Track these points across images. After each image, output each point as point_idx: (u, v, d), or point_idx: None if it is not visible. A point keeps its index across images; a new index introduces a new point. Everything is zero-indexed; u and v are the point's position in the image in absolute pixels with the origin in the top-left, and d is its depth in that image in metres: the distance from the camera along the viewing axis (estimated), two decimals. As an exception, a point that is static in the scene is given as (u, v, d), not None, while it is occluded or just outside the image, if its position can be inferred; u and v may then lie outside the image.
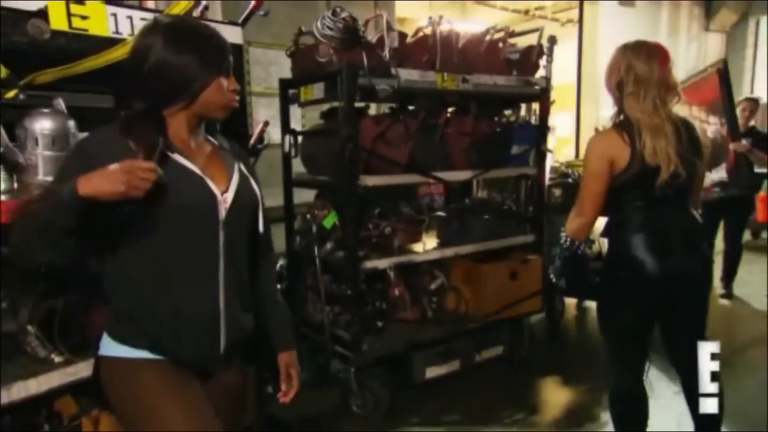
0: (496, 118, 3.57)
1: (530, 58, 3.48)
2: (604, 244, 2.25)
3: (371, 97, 3.00)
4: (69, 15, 1.58)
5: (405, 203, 3.40)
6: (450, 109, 3.45)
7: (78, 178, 1.14)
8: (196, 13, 1.88)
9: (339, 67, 2.80)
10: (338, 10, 2.93)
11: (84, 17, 1.61)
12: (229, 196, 1.36)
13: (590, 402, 3.16)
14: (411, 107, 3.33)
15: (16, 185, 1.59)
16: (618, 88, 2.01)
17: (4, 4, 1.45)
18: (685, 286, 1.98)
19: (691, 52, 8.59)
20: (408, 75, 2.97)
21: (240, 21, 2.17)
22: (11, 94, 1.44)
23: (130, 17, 1.71)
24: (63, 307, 1.78)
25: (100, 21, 1.65)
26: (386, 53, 2.96)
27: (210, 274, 1.33)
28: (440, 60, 3.11)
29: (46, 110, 1.62)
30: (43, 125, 1.60)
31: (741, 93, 8.39)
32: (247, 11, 2.21)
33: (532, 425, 2.96)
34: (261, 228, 1.47)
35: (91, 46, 1.63)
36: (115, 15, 1.68)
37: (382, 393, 2.99)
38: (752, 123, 4.75)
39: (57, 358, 1.70)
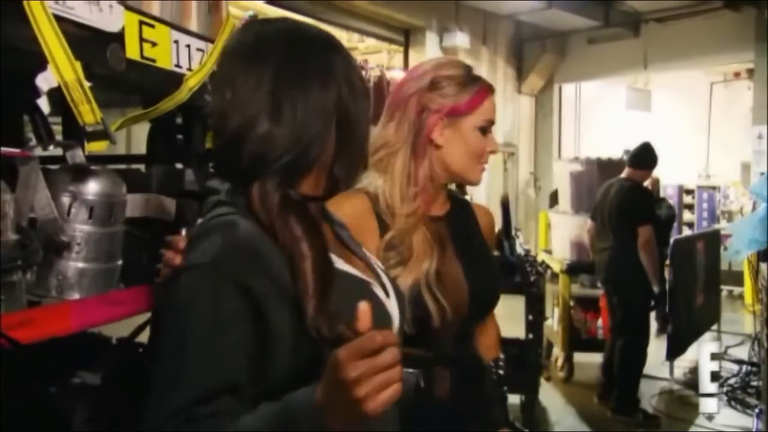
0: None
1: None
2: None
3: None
4: (141, 40, 1.15)
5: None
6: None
7: (318, 394, 0.64)
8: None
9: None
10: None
11: (154, 44, 1.19)
12: (392, 302, 0.88)
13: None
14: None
15: (58, 278, 1.06)
16: None
17: (74, 17, 1.00)
18: None
19: (508, 112, 9.07)
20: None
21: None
22: (100, 146, 0.98)
23: (188, 46, 1.32)
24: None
25: (165, 50, 1.23)
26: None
27: None
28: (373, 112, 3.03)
29: (95, 168, 1.12)
30: (95, 189, 1.10)
31: (552, 152, 9.68)
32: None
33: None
34: None
35: (157, 83, 1.21)
36: (177, 42, 1.28)
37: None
38: None
39: None
